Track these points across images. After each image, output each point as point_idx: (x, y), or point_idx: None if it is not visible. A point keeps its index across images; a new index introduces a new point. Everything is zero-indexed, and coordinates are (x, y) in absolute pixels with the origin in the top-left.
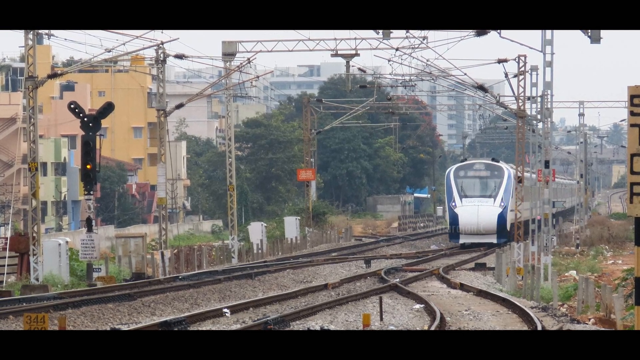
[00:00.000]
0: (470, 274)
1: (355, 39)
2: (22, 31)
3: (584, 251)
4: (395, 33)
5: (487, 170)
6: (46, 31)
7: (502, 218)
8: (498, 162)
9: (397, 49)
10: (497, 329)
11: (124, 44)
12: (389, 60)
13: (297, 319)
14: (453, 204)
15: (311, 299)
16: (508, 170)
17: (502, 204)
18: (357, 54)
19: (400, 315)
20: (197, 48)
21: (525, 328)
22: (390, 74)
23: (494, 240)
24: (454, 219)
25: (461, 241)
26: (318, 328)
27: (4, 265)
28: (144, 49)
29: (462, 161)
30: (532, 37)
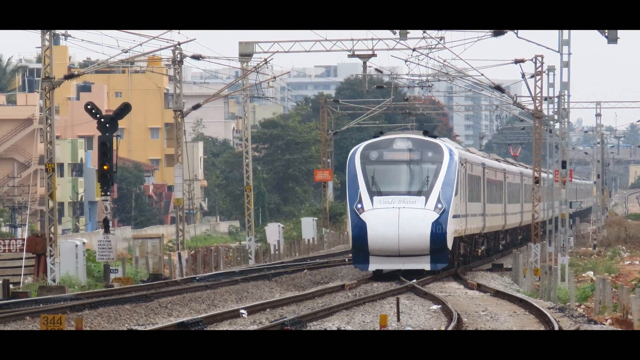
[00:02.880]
0: (487, 274)
1: (372, 39)
2: (39, 32)
3: (601, 252)
4: (412, 33)
5: (415, 150)
6: (62, 32)
7: (439, 229)
8: (435, 137)
9: (414, 50)
10: (514, 329)
11: (140, 45)
12: (405, 61)
13: (314, 320)
14: (359, 205)
15: (328, 300)
16: (450, 150)
17: (440, 205)
18: (374, 55)
19: (417, 316)
20: (214, 49)
21: (542, 329)
22: (407, 74)
23: (427, 266)
24: (360, 230)
25: (372, 267)
26: (335, 329)
27: (21, 267)
28: (161, 49)
29: (375, 136)
30: (549, 37)
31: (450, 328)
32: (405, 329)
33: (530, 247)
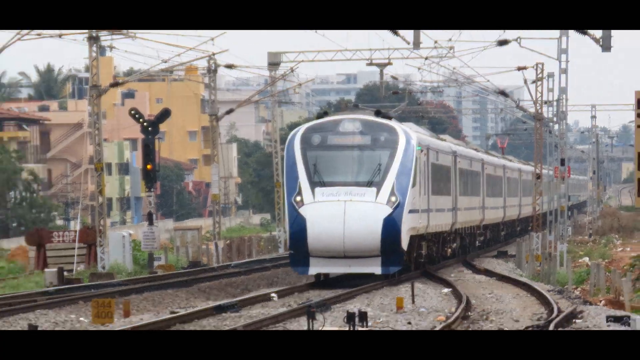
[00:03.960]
0: (493, 261)
1: (388, 49)
2: (87, 43)
3: (596, 240)
4: (425, 43)
5: (365, 133)
6: (108, 43)
7: (392, 226)
8: (390, 119)
9: (426, 58)
10: (516, 310)
11: (179, 55)
12: (419, 69)
13: (337, 303)
14: (297, 198)
15: (350, 285)
16: (407, 134)
17: (394, 198)
18: (390, 63)
19: (430, 299)
20: (245, 58)
21: (543, 310)
22: (420, 81)
23: (378, 269)
24: (298, 227)
25: (313, 270)
26: (356, 311)
27: (74, 256)
28: (197, 59)
29: (319, 116)
30: (549, 46)
31: (459, 310)
32: (420, 311)
33: (532, 236)
